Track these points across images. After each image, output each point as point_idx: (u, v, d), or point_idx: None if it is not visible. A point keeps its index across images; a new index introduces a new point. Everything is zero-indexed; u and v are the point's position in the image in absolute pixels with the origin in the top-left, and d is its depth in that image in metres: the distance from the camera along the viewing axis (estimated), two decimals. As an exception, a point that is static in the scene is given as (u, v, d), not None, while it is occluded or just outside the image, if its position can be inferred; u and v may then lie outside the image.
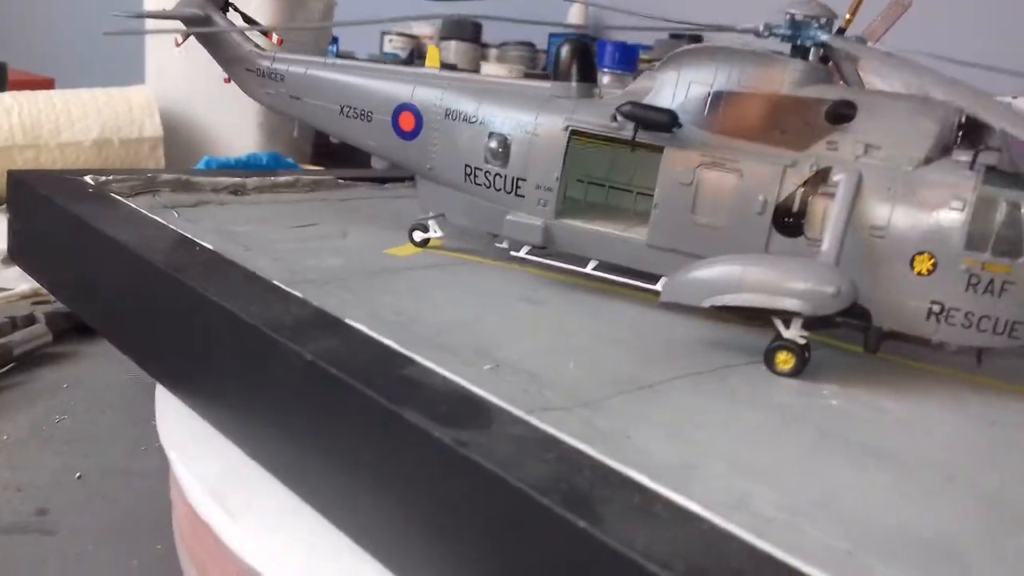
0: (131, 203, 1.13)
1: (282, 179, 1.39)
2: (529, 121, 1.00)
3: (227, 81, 1.23)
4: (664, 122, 0.91)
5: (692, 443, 0.67)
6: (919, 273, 0.84)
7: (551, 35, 1.79)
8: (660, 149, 0.94)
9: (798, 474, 0.65)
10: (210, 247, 0.99)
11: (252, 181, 1.35)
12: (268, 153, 1.67)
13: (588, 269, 1.00)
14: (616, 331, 0.91)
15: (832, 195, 0.87)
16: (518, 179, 1.01)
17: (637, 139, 0.93)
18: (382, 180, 1.51)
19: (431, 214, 1.12)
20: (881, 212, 0.85)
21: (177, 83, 1.79)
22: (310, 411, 0.73)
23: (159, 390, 0.94)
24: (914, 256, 0.84)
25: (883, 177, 0.85)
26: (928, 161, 0.85)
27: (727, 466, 0.64)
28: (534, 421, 0.65)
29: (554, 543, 0.54)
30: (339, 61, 1.15)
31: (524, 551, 0.56)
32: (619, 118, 0.94)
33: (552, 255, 1.03)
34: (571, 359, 0.81)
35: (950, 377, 0.90)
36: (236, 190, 1.33)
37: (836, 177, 0.87)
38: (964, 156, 0.84)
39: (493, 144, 1.02)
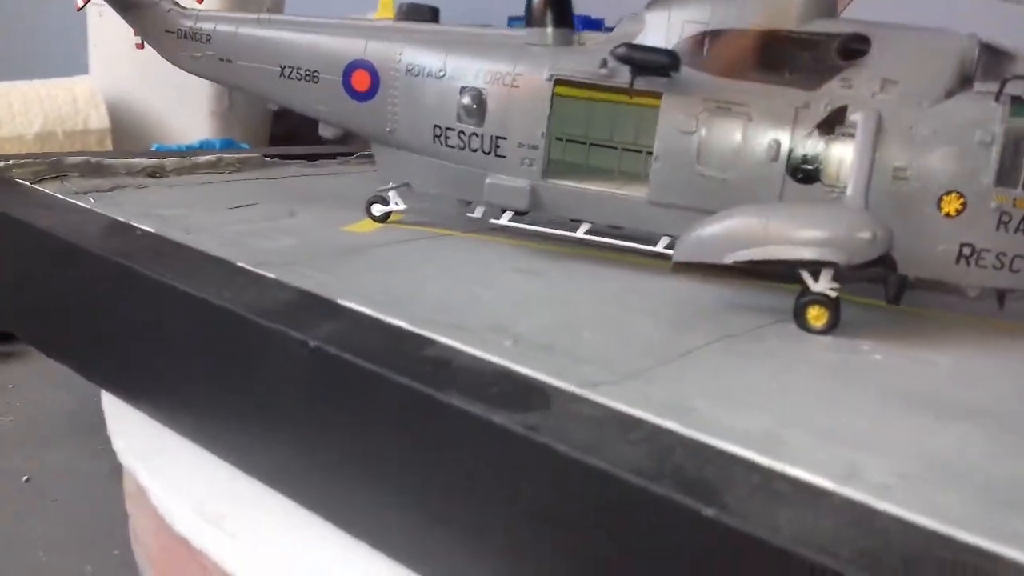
0: (41, 189, 0.98)
1: (203, 159, 1.25)
2: (507, 72, 0.90)
3: (140, 47, 1.08)
4: (665, 64, 0.82)
5: (762, 411, 0.60)
6: (947, 215, 0.79)
7: (510, 18, 1.72)
8: (656, 97, 0.86)
9: (888, 436, 0.58)
10: (152, 230, 0.86)
11: (171, 162, 1.21)
12: (222, 140, 1.56)
13: (580, 233, 0.91)
14: (626, 298, 0.82)
15: (850, 136, 0.81)
16: (497, 137, 0.91)
17: (632, 87, 0.85)
18: (310, 157, 1.39)
19: (392, 184, 1.01)
20: (903, 152, 0.79)
21: (123, 71, 1.66)
22: (318, 408, 0.62)
23: (107, 398, 0.80)
24: (941, 197, 0.79)
25: (903, 114, 0.80)
26: (949, 95, 0.80)
27: (811, 434, 0.57)
28: (596, 397, 0.57)
29: (675, 536, 0.46)
30: (275, 16, 1.02)
31: (636, 548, 0.47)
32: (610, 64, 0.86)
33: (538, 221, 0.94)
34: (589, 330, 0.72)
35: (978, 324, 0.85)
36: (154, 172, 1.18)
37: (853, 117, 0.80)
38: (987, 88, 0.79)
39: (466, 100, 0.92)
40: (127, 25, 1.07)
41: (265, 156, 1.33)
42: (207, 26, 1.03)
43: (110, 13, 1.08)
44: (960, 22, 0.84)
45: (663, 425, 0.53)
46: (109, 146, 1.63)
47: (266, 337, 0.64)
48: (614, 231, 0.92)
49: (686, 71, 0.84)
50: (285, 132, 1.79)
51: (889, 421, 0.61)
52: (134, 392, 0.78)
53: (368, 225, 1.02)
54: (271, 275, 0.75)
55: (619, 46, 0.83)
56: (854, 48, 0.81)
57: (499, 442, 0.51)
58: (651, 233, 0.89)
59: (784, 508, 0.45)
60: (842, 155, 0.82)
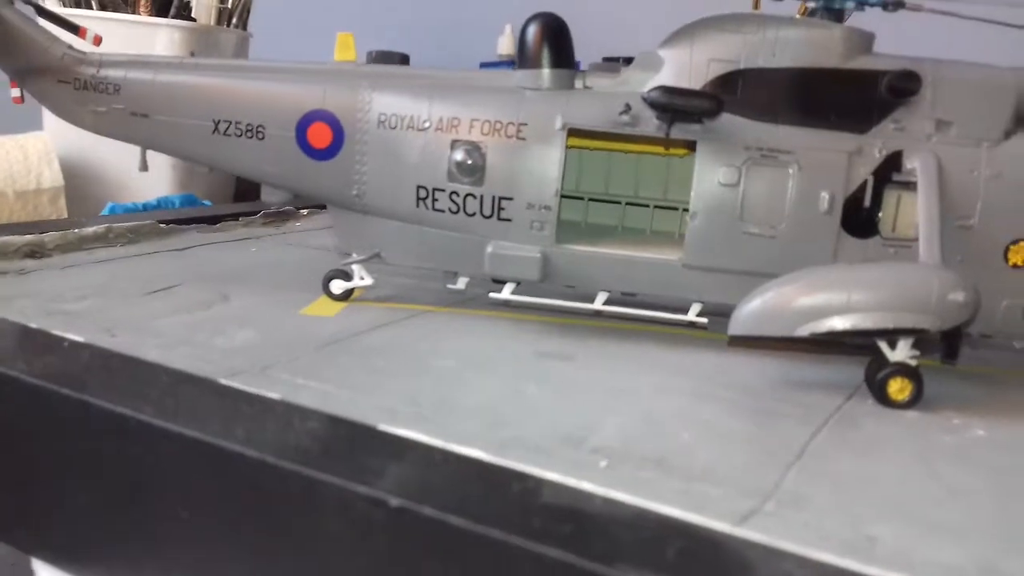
0: None
1: (90, 231, 1.04)
2: (509, 121, 0.76)
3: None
4: (708, 109, 0.72)
5: (949, 531, 0.50)
6: (1014, 265, 0.72)
7: (481, 64, 1.61)
8: (686, 147, 0.75)
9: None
10: (82, 340, 0.67)
11: (51, 238, 1.00)
12: (181, 196, 1.37)
13: (599, 305, 0.79)
14: (682, 383, 0.71)
15: (907, 184, 0.73)
16: (501, 198, 0.77)
17: (668, 137, 0.73)
18: (211, 220, 1.19)
19: (356, 256, 0.85)
20: (966, 199, 0.72)
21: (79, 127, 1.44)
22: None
23: (41, 568, 0.61)
24: (1008, 246, 0.72)
25: (963, 158, 0.72)
26: (1008, 135, 0.73)
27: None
28: (769, 541, 0.45)
29: None
30: (205, 60, 0.84)
31: None
32: (632, 110, 0.74)
33: (538, 292, 0.81)
34: (679, 432, 0.60)
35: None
36: (33, 251, 0.97)
37: (911, 163, 0.73)
38: (1046, 126, 0.73)
39: (459, 156, 0.77)
40: None
41: (160, 223, 1.13)
42: (115, 73, 0.83)
43: None
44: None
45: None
46: (63, 206, 1.49)
47: (310, 492, 0.48)
48: (629, 299, 0.81)
49: (721, 116, 0.74)
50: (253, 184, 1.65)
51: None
52: (86, 562, 0.59)
53: (328, 306, 0.86)
54: (274, 395, 0.58)
55: (653, 89, 0.72)
56: (904, 86, 0.73)
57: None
58: (679, 300, 0.78)
59: None
60: (901, 205, 0.74)
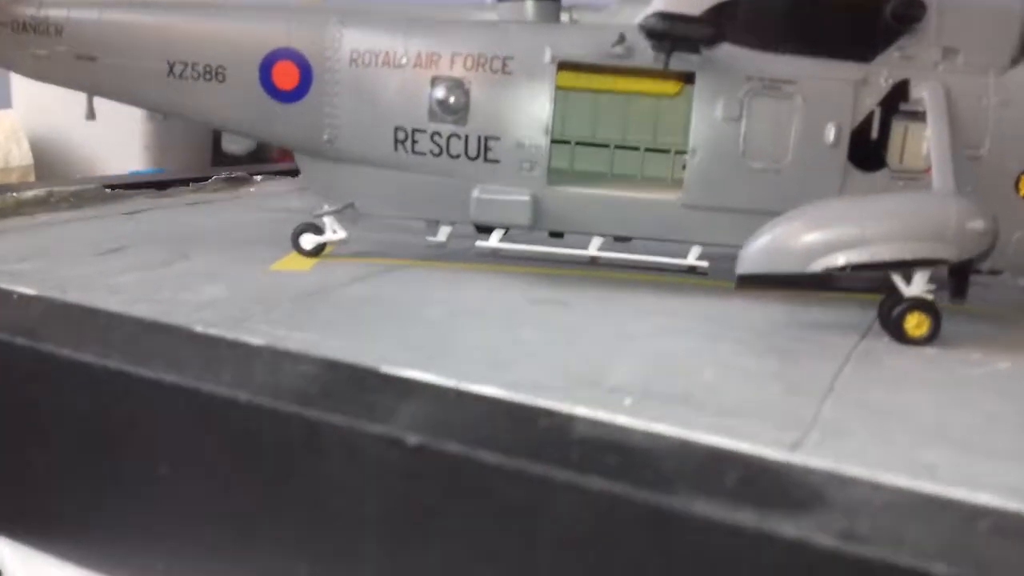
0: None
1: (29, 194, 0.96)
2: (494, 55, 0.71)
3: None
4: (710, 35, 0.68)
5: (1013, 457, 0.46)
6: (1026, 196, 0.70)
7: None
8: (685, 78, 0.71)
9: None
10: (34, 293, 0.60)
11: (-14, 201, 0.92)
12: (154, 170, 1.33)
13: (594, 251, 0.74)
14: (689, 327, 0.66)
15: (915, 114, 0.70)
16: (487, 138, 0.72)
17: (666, 68, 0.69)
18: (160, 185, 1.12)
19: (327, 208, 0.79)
20: (975, 129, 0.69)
21: (48, 103, 1.45)
22: (434, 540, 0.41)
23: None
24: (1019, 176, 0.70)
25: (971, 86, 0.69)
26: (1015, 62, 0.70)
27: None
28: (839, 468, 0.40)
29: None
30: (156, -2, 0.77)
31: None
32: (626, 41, 0.70)
33: (522, 240, 0.76)
34: (695, 367, 0.56)
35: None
36: (-33, 215, 0.88)
37: (919, 92, 0.69)
38: (1053, 52, 0.70)
39: (441, 93, 0.72)
40: None
41: (106, 187, 1.05)
42: (57, 13, 0.76)
43: None
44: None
45: (970, 500, 0.38)
46: None
47: (313, 435, 0.42)
48: (625, 246, 0.76)
49: (720, 46, 0.70)
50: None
51: None
52: (55, 534, 0.52)
53: (299, 261, 0.79)
54: (258, 341, 0.53)
55: (650, 15, 0.67)
56: (907, 12, 0.70)
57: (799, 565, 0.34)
58: (679, 242, 0.74)
59: None
60: (909, 136, 0.70)
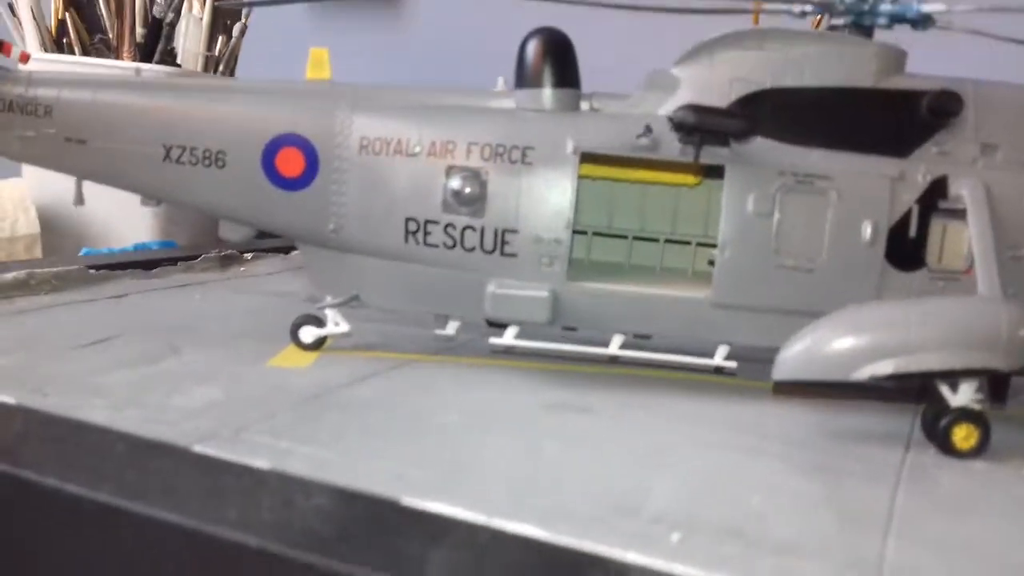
0: None
1: (9, 276, 0.91)
2: (513, 144, 0.68)
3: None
4: (743, 129, 0.64)
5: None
6: (1071, 299, 0.66)
7: None
8: (706, 170, 0.68)
9: None
10: (12, 401, 0.55)
11: (-37, 284, 0.86)
12: (160, 242, 1.28)
13: (614, 350, 0.70)
14: (726, 436, 0.62)
15: (954, 212, 0.67)
16: (504, 231, 0.68)
17: (697, 161, 0.66)
18: (147, 265, 1.07)
19: (330, 300, 0.74)
20: (1017, 227, 0.66)
21: (58, 175, 1.35)
22: None
23: None
24: (1065, 278, 0.66)
25: (1012, 183, 0.67)
26: (1056, 158, 0.68)
27: None
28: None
29: None
30: (153, 79, 0.73)
31: None
32: (652, 133, 0.66)
33: (536, 336, 0.71)
34: (740, 492, 0.52)
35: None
36: (-59, 301, 0.83)
37: (958, 189, 0.66)
38: (1092, 149, 0.67)
39: (456, 184, 0.68)
40: None
41: (89, 268, 1.00)
42: (46, 93, 0.71)
43: None
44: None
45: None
46: (39, 252, 1.42)
47: (333, 589, 0.37)
48: (646, 343, 0.72)
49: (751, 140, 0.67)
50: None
51: None
52: None
53: (297, 356, 0.75)
54: (263, 464, 0.47)
55: (680, 108, 0.64)
56: (944, 107, 0.67)
57: None
58: (703, 342, 0.70)
59: None
60: (948, 234, 0.67)
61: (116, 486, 0.42)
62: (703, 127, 0.63)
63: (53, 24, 1.45)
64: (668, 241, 0.77)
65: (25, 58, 0.75)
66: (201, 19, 1.42)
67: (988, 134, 0.67)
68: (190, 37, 1.37)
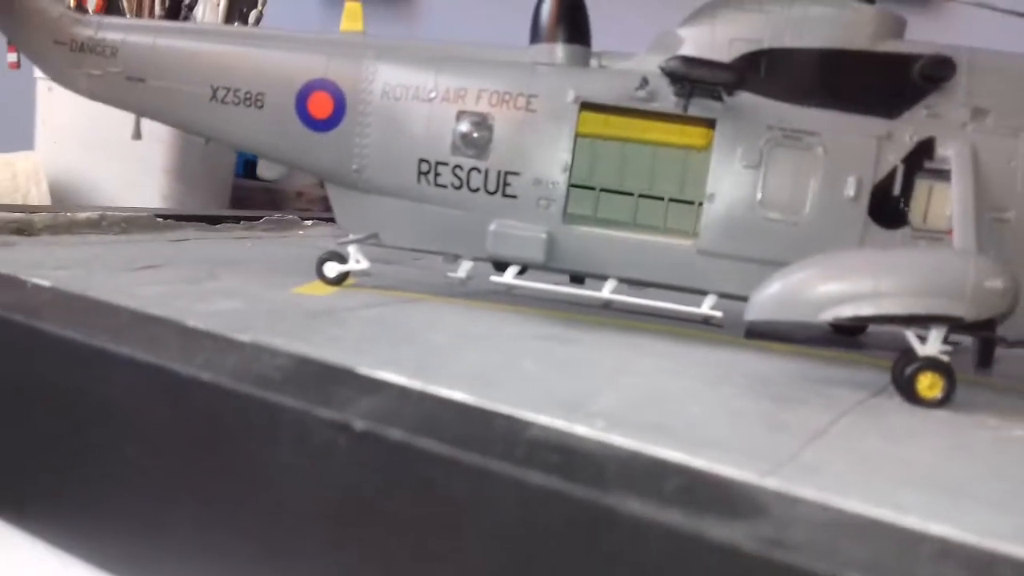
0: None
1: (83, 216, 1.00)
2: (519, 92, 0.73)
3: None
4: (730, 80, 0.68)
5: (991, 504, 0.44)
6: (1057, 263, 0.67)
7: None
8: (708, 124, 0.71)
9: None
10: (47, 284, 0.62)
11: (41, 218, 0.96)
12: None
13: (607, 293, 0.74)
14: (693, 370, 0.65)
15: (940, 173, 0.69)
16: (507, 173, 0.73)
17: (686, 112, 0.69)
18: (212, 220, 1.16)
19: (353, 237, 0.80)
20: (1003, 191, 0.68)
21: (70, 147, 1.50)
22: (366, 523, 0.40)
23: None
24: (1049, 242, 0.67)
25: (1000, 148, 0.68)
26: (1049, 125, 0.69)
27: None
28: (797, 491, 0.39)
29: None
30: (207, 26, 0.81)
31: None
32: (648, 85, 0.70)
33: (543, 281, 0.76)
34: (685, 403, 0.55)
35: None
36: (21, 229, 0.93)
37: (945, 151, 0.68)
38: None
39: (465, 127, 0.73)
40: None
41: (157, 216, 1.09)
42: (113, 36, 0.80)
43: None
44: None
45: (928, 531, 0.36)
46: None
47: (271, 420, 0.42)
48: (640, 291, 0.76)
49: (743, 96, 0.70)
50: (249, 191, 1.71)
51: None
52: (30, 512, 0.53)
53: (321, 288, 0.81)
54: (245, 338, 0.53)
55: (671, 59, 0.68)
56: (937, 72, 0.69)
57: (720, 566, 0.32)
58: (692, 290, 0.73)
59: None
60: (933, 194, 0.69)
61: (108, 336, 0.49)
62: (691, 76, 0.67)
63: (72, 5, 1.55)
64: (673, 200, 0.81)
65: (100, 7, 0.84)
66: (218, 5, 1.48)
67: (980, 99, 0.69)
68: (207, 17, 1.42)
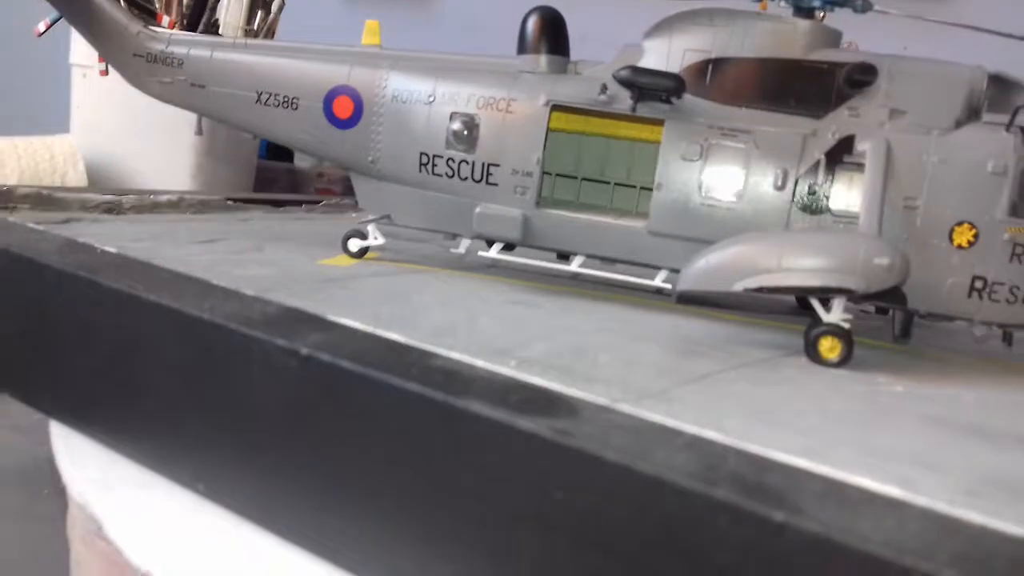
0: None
1: (164, 198, 1.18)
2: (501, 97, 0.86)
3: (104, 73, 1.03)
4: (671, 87, 0.80)
5: (798, 431, 0.55)
6: (959, 246, 0.76)
7: None
8: (653, 127, 0.83)
9: (941, 455, 0.54)
10: (114, 251, 0.79)
11: (129, 199, 1.14)
12: None
13: (575, 267, 0.87)
14: (629, 329, 0.78)
15: (858, 166, 0.79)
16: (489, 164, 0.86)
17: (634, 113, 0.81)
18: (277, 203, 1.33)
19: (371, 217, 0.95)
20: (914, 182, 0.77)
21: (105, 131, 1.61)
22: (309, 426, 0.55)
23: (57, 430, 0.72)
24: (953, 227, 0.76)
25: (913, 144, 0.77)
26: (959, 125, 0.78)
27: (858, 451, 0.52)
28: (625, 409, 0.51)
29: (734, 545, 0.40)
30: (253, 41, 0.97)
31: (693, 560, 0.41)
32: (610, 90, 0.83)
33: (527, 257, 0.89)
34: (600, 354, 0.67)
35: (987, 364, 0.82)
36: (111, 208, 1.11)
37: (862, 146, 0.78)
38: (995, 119, 0.77)
39: (456, 126, 0.87)
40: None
41: (228, 200, 1.26)
42: (179, 50, 0.98)
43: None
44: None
45: (703, 435, 0.48)
46: None
47: (247, 348, 0.57)
48: (606, 266, 0.88)
49: (689, 98, 0.82)
50: (272, 173, 1.76)
51: (939, 443, 0.56)
52: (89, 419, 0.70)
53: (345, 260, 0.96)
54: (250, 292, 0.69)
55: (622, 68, 0.80)
56: (861, 78, 0.79)
57: (528, 450, 0.45)
58: (648, 268, 0.85)
59: (862, 515, 0.40)
60: (851, 185, 0.79)
61: (145, 287, 0.65)
62: (638, 83, 0.79)
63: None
64: (643, 188, 0.93)
65: (172, 24, 1.01)
66: (242, -1, 1.57)
67: (897, 101, 0.78)
68: (231, 11, 1.53)
